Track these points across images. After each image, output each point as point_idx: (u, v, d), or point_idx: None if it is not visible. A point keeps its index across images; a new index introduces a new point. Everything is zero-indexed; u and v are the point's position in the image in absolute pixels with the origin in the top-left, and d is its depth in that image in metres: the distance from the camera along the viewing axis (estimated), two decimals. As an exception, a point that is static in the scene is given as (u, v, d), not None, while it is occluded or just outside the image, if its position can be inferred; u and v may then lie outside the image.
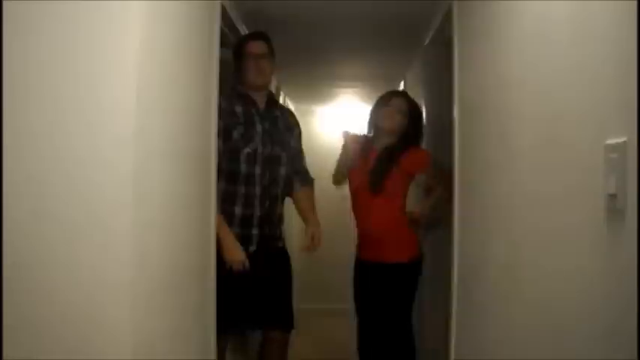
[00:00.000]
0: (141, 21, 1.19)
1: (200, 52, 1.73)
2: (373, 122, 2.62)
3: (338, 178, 2.67)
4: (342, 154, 2.66)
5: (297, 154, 2.45)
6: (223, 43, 2.21)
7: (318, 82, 4.33)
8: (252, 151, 2.22)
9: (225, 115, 2.18)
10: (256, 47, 2.31)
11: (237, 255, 2.14)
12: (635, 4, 0.79)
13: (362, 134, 2.66)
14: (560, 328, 1.07)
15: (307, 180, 2.48)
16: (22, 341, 1.12)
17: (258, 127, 2.27)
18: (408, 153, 2.48)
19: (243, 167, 2.21)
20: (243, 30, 2.60)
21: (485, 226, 1.69)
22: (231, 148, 2.19)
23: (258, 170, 2.23)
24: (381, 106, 2.59)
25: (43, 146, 1.14)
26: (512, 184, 1.41)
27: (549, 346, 1.11)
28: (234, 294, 2.17)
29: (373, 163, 2.49)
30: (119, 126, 1.15)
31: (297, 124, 2.49)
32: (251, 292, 2.24)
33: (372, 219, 2.49)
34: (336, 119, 5.44)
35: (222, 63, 2.52)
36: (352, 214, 2.60)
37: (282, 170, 2.31)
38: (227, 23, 2.25)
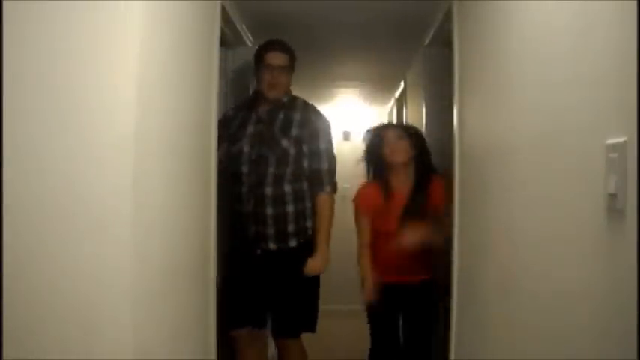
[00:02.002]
0: (141, 21, 1.19)
1: (200, 52, 1.73)
2: (378, 159, 2.46)
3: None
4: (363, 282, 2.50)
5: (314, 155, 2.30)
6: (223, 43, 2.21)
7: (318, 82, 4.32)
8: (237, 151, 2.31)
9: (231, 120, 2.37)
10: (273, 59, 2.29)
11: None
12: (635, 4, 0.79)
13: (369, 182, 2.50)
14: (560, 328, 1.07)
15: (322, 187, 2.31)
16: (23, 342, 1.12)
17: (250, 129, 2.33)
18: (431, 184, 2.39)
19: (231, 167, 2.30)
20: (243, 30, 2.60)
21: (485, 226, 1.69)
22: (224, 150, 2.28)
23: (245, 170, 2.29)
24: (379, 141, 2.45)
25: (43, 146, 1.14)
26: (512, 184, 1.41)
27: (549, 346, 1.11)
28: (234, 294, 2.26)
29: (405, 205, 2.37)
30: (119, 126, 1.15)
31: (311, 122, 2.32)
32: (249, 292, 2.31)
33: (405, 256, 2.39)
34: (335, 119, 5.45)
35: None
36: (366, 250, 2.50)
37: (271, 170, 2.25)
38: (227, 23, 2.25)
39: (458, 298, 2.03)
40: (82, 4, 1.15)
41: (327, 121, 2.41)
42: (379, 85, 4.36)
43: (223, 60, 2.44)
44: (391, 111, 4.85)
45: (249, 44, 2.75)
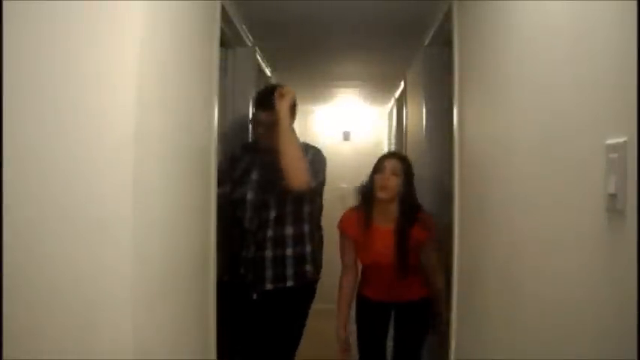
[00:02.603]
0: (141, 21, 1.19)
1: (200, 52, 1.73)
2: (367, 189, 2.46)
3: None
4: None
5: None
6: (223, 43, 2.21)
7: (317, 82, 4.33)
8: (240, 197, 2.33)
9: (235, 162, 2.39)
10: (266, 117, 2.27)
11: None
12: (635, 4, 0.79)
13: (353, 209, 2.50)
14: (560, 328, 1.07)
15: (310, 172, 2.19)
16: (23, 343, 1.12)
17: (254, 175, 2.35)
18: (416, 222, 2.39)
19: (236, 212, 2.33)
20: (243, 30, 2.60)
21: (485, 227, 1.69)
22: (226, 194, 2.31)
23: (248, 215, 2.31)
24: (375, 171, 2.44)
25: (43, 147, 1.14)
26: (511, 184, 1.41)
27: (549, 346, 1.11)
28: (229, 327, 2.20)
29: (393, 248, 2.36)
30: (119, 126, 1.15)
31: (310, 162, 2.26)
32: (236, 333, 2.31)
33: (395, 285, 2.44)
34: (335, 119, 5.45)
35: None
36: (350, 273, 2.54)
37: (272, 214, 2.27)
38: (227, 23, 2.25)
39: (458, 298, 2.03)
40: (82, 4, 1.15)
41: (323, 156, 2.36)
42: (379, 85, 4.36)
43: (223, 60, 2.44)
44: (391, 111, 4.85)
45: (249, 44, 2.76)
